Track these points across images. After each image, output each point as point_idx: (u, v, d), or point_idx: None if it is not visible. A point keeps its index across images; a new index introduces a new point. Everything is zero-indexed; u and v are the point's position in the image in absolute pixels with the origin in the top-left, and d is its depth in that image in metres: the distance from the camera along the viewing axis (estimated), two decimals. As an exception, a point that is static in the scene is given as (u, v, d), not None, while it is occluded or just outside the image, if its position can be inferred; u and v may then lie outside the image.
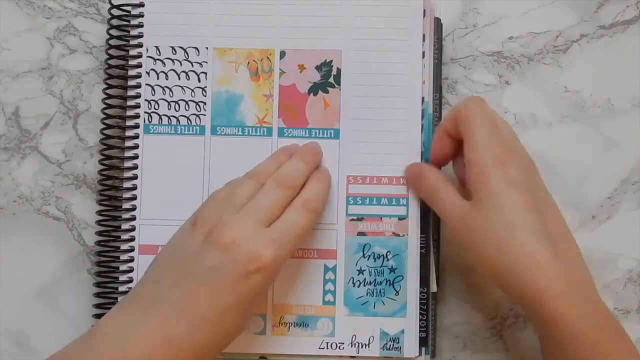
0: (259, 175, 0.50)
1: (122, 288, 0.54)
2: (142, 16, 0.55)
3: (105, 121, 0.55)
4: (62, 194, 0.56)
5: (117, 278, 0.54)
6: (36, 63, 0.57)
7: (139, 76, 0.55)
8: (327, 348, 0.53)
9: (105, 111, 0.55)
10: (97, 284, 0.54)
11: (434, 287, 0.53)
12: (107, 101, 0.55)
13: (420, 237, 0.53)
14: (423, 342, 0.53)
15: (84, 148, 0.56)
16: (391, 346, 0.52)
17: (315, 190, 0.50)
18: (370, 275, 0.53)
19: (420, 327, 0.53)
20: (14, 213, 0.56)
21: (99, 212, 0.54)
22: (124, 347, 0.44)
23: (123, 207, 0.54)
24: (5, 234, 0.56)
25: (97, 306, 0.54)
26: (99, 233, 0.54)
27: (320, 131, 0.54)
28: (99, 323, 0.46)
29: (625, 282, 0.55)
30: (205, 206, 0.49)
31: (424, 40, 0.54)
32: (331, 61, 0.54)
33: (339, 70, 0.54)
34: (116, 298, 0.54)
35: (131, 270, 0.53)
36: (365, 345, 0.52)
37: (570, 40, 0.57)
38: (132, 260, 0.54)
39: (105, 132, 0.55)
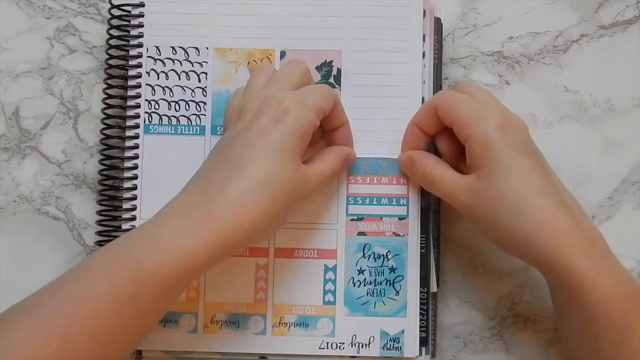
0: (296, 61, 0.51)
1: None
2: (142, 16, 0.55)
3: (105, 121, 0.55)
4: (62, 194, 0.56)
5: None
6: (36, 63, 0.57)
7: (139, 76, 0.55)
8: (327, 348, 0.53)
9: (105, 111, 0.55)
10: None
11: (434, 287, 0.53)
12: (107, 101, 0.55)
13: (421, 237, 0.53)
14: (423, 342, 0.53)
15: (84, 148, 0.56)
16: (391, 346, 0.52)
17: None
18: (370, 275, 0.53)
19: (420, 327, 0.53)
20: (14, 213, 0.56)
21: (99, 212, 0.54)
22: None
23: (123, 207, 0.54)
24: (5, 234, 0.56)
25: None
26: (99, 233, 0.54)
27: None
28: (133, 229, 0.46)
29: (625, 282, 0.55)
30: (243, 96, 0.50)
31: (424, 40, 0.54)
32: (331, 61, 0.54)
33: (339, 71, 0.54)
34: None
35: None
36: (366, 345, 0.52)
37: (570, 40, 0.57)
38: None
39: (105, 132, 0.55)
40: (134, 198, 0.54)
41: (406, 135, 0.52)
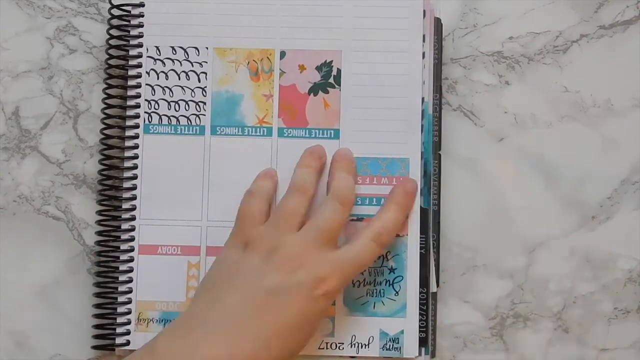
0: (304, 188, 0.50)
1: (121, 288, 0.54)
2: (142, 16, 0.55)
3: (105, 121, 0.55)
4: (62, 194, 0.56)
5: (117, 278, 0.54)
6: (36, 63, 0.57)
7: (139, 76, 0.55)
8: (326, 348, 0.53)
9: (105, 111, 0.55)
10: (97, 284, 0.54)
11: (434, 287, 0.53)
12: (107, 101, 0.55)
13: (420, 238, 0.53)
14: (423, 342, 0.53)
15: (84, 148, 0.56)
16: (391, 346, 0.52)
17: (385, 223, 0.50)
18: (370, 276, 0.53)
19: (420, 327, 0.53)
20: (14, 213, 0.56)
21: (99, 212, 0.54)
22: None
23: (123, 207, 0.54)
24: (5, 234, 0.56)
25: (97, 306, 0.54)
26: (99, 233, 0.54)
27: (320, 131, 0.54)
28: (156, 344, 0.45)
29: (625, 282, 0.55)
30: (251, 225, 0.49)
31: (424, 40, 0.54)
32: (331, 61, 0.54)
33: (339, 71, 0.54)
34: (116, 298, 0.54)
35: (131, 270, 0.54)
36: (365, 346, 0.52)
37: (570, 40, 0.57)
38: (132, 260, 0.54)
39: (105, 132, 0.55)
40: (134, 198, 0.54)
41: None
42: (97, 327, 0.54)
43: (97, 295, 0.54)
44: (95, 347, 0.54)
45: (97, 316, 0.54)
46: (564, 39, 0.57)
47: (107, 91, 0.55)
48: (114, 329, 0.53)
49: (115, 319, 0.53)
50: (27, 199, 0.56)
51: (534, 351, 0.55)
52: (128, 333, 0.53)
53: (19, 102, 0.57)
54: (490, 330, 0.55)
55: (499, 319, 0.55)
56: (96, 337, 0.54)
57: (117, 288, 0.54)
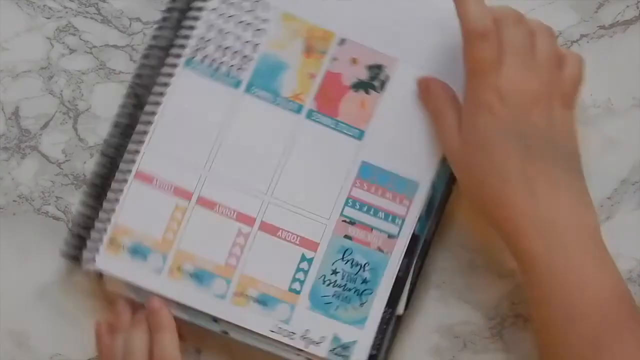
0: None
1: (106, 205, 0.53)
2: None
3: (147, 51, 0.55)
4: (62, 194, 0.56)
5: (106, 194, 0.54)
6: (36, 63, 0.57)
7: (201, 9, 0.54)
8: (278, 333, 0.52)
9: (153, 42, 0.55)
10: (88, 194, 0.54)
11: (400, 310, 0.53)
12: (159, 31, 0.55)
13: (403, 261, 0.53)
14: (372, 359, 0.52)
15: (84, 148, 0.56)
16: (339, 352, 0.52)
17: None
18: (342, 279, 0.53)
19: (374, 344, 0.52)
20: (14, 213, 0.56)
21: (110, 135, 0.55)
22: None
23: (135, 131, 0.54)
24: (5, 234, 0.56)
25: (80, 214, 0.54)
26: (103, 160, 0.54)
27: (347, 127, 0.54)
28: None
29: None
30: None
31: None
32: (384, 66, 0.53)
33: (387, 77, 0.53)
34: (97, 212, 0.53)
35: (121, 191, 0.53)
36: (315, 343, 0.52)
37: (570, 40, 0.57)
38: (125, 182, 0.53)
39: (144, 62, 0.54)
40: (149, 122, 0.53)
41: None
42: (72, 235, 0.54)
43: (84, 203, 0.54)
44: (63, 255, 0.54)
45: (75, 225, 0.54)
46: (564, 39, 0.57)
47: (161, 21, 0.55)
48: (85, 243, 0.53)
49: (89, 232, 0.53)
50: (27, 199, 0.56)
51: (534, 351, 0.55)
52: (97, 250, 0.53)
53: (19, 102, 0.57)
54: (490, 330, 0.55)
55: (499, 319, 0.55)
56: (68, 245, 0.54)
57: (102, 204, 0.53)
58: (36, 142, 0.57)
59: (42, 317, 0.55)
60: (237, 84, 0.54)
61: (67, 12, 0.57)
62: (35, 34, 0.57)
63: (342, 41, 0.54)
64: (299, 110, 0.54)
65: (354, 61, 0.54)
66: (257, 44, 0.54)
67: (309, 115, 0.54)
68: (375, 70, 0.54)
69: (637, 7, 0.57)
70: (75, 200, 0.56)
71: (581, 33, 0.57)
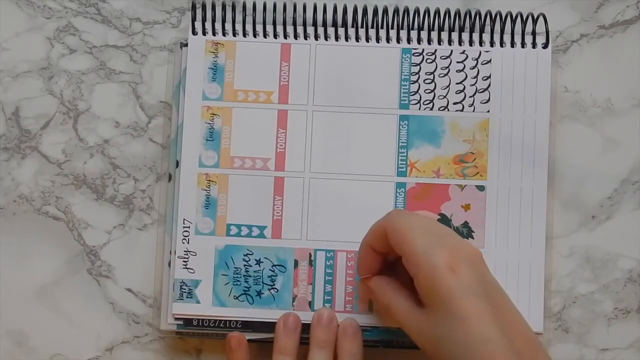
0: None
1: None
2: None
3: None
4: (62, 194, 0.56)
5: None
6: (36, 63, 0.57)
7: None
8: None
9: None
10: None
11: None
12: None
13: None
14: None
15: (84, 148, 0.56)
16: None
17: None
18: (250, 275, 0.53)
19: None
20: (14, 213, 0.56)
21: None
22: None
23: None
24: (5, 234, 0.56)
25: None
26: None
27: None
28: None
29: (625, 282, 0.55)
30: None
31: None
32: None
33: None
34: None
35: None
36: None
37: (570, 40, 0.57)
38: None
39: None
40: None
41: (360, 255, 0.50)
42: None
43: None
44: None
45: None
46: (564, 38, 0.57)
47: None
48: None
49: None
50: (27, 199, 0.56)
51: None
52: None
53: (19, 102, 0.57)
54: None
55: None
56: None
57: None
58: (36, 142, 0.57)
59: (42, 317, 0.55)
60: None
61: (67, 12, 0.57)
62: (35, 34, 0.57)
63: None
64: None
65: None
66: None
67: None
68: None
69: (637, 7, 0.57)
70: (75, 200, 0.56)
71: (581, 33, 0.57)
